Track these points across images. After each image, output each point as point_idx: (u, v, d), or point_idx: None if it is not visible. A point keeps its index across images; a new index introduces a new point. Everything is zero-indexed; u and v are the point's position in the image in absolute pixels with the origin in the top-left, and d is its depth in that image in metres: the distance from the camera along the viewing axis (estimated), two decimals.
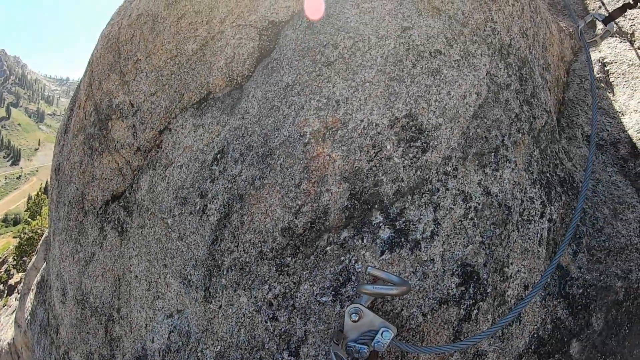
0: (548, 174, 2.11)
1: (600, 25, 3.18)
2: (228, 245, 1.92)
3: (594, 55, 3.08)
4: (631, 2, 2.67)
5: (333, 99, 1.81)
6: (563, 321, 2.00)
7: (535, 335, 1.92)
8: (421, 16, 2.00)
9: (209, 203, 2.05)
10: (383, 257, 1.66)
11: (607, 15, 2.82)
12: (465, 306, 1.70)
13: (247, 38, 2.28)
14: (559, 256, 1.69)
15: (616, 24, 3.19)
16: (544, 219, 1.99)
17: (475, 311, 1.73)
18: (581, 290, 2.05)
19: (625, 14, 3.10)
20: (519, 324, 1.89)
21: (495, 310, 1.77)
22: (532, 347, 1.93)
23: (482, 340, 1.74)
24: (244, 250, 1.86)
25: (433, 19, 2.01)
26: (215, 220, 1.99)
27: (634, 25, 3.12)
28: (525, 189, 1.94)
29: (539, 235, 1.94)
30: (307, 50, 1.99)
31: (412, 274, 1.66)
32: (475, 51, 2.00)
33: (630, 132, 2.63)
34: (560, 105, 2.66)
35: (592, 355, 2.06)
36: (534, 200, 1.96)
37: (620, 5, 2.71)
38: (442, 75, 1.86)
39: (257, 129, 1.98)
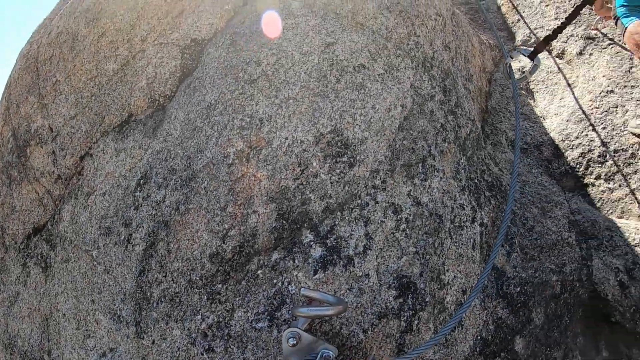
0: (476, 180, 2.11)
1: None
2: (156, 276, 1.78)
3: (515, 64, 3.17)
4: (550, 34, 2.77)
5: (256, 118, 1.72)
6: (504, 320, 2.00)
7: (479, 337, 1.91)
8: (345, 31, 1.96)
9: (134, 232, 1.91)
10: (316, 276, 1.58)
11: (532, 49, 2.91)
12: (405, 318, 1.65)
13: (169, 57, 2.17)
14: (493, 259, 1.68)
15: (534, 34, 3.30)
16: (476, 223, 1.98)
17: (416, 321, 1.68)
18: (519, 289, 2.07)
19: (532, 26, 3.23)
20: (462, 329, 1.87)
21: (436, 318, 1.73)
22: (477, 350, 1.92)
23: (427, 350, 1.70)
24: (172, 280, 1.73)
25: (357, 34, 1.97)
26: (141, 250, 1.85)
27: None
28: (455, 196, 1.92)
29: (472, 240, 1.93)
30: (230, 68, 1.90)
31: (347, 291, 1.59)
32: (399, 64, 1.98)
33: (552, 134, 2.71)
34: (484, 113, 2.71)
35: (537, 349, 2.08)
36: (464, 207, 1.95)
37: (542, 38, 2.80)
38: (367, 89, 1.82)
39: (179, 151, 1.86)
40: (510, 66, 2.68)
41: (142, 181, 1.97)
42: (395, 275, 1.66)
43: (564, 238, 2.28)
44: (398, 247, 1.68)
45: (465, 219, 1.95)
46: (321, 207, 1.63)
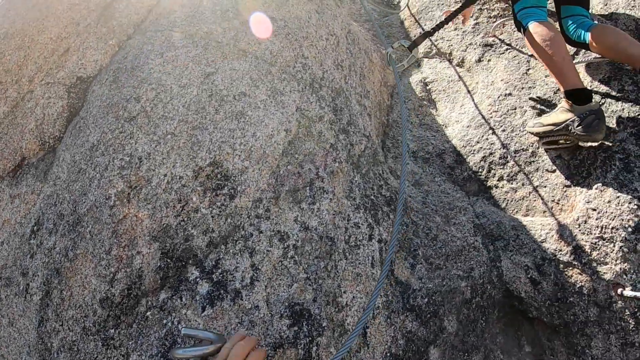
0: (372, 197, 2.13)
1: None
2: (53, 325, 1.70)
3: (417, 77, 3.24)
4: (430, 30, 2.85)
5: (136, 156, 1.68)
6: (415, 333, 2.00)
7: (388, 354, 1.90)
8: (226, 60, 1.95)
9: (31, 281, 1.82)
10: (205, 313, 1.55)
11: (411, 41, 3.00)
12: (302, 345, 1.64)
13: (55, 97, 2.10)
14: (383, 277, 1.67)
15: (435, 46, 3.40)
16: (374, 240, 1.99)
17: (314, 348, 1.66)
18: (427, 299, 2.07)
19: (433, 37, 3.33)
20: (368, 348, 1.85)
21: (337, 342, 1.72)
22: None
23: None
24: (68, 328, 1.66)
25: (238, 61, 1.97)
26: (38, 299, 1.77)
27: (451, 45, 3.33)
28: (349, 216, 1.93)
29: (370, 258, 1.94)
30: (112, 106, 1.85)
31: (238, 325, 1.57)
32: (283, 88, 1.98)
33: (454, 141, 2.78)
34: (385, 127, 2.74)
35: (454, 356, 2.09)
36: (360, 225, 1.96)
37: (422, 33, 2.88)
38: (247, 117, 1.81)
39: (67, 195, 1.80)
40: (390, 55, 2.72)
41: (35, 228, 1.89)
42: (286, 304, 1.64)
43: (469, 243, 2.33)
44: (287, 274, 1.67)
45: (361, 238, 1.96)
46: (204, 242, 1.60)
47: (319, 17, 2.47)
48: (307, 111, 2.00)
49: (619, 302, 2.05)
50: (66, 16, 2.25)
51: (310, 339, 1.66)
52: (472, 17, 3.38)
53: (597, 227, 2.16)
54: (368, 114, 2.51)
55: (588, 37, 2.43)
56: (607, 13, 2.89)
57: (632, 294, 1.98)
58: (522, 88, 2.83)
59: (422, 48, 3.47)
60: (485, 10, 3.40)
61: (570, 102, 2.28)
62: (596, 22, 2.54)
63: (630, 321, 2.03)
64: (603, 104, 2.47)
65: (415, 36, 3.55)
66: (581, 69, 2.66)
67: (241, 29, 2.10)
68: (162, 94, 1.82)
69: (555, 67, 2.34)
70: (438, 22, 3.08)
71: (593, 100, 2.27)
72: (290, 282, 1.67)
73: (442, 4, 3.55)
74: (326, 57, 2.33)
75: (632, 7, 2.80)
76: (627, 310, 2.03)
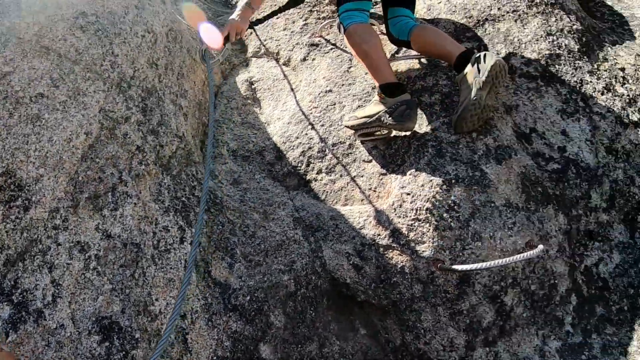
0: (184, 198, 2.37)
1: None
2: None
3: (243, 76, 3.54)
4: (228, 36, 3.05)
5: None
6: (241, 332, 2.21)
7: (215, 357, 2.09)
8: (26, 58, 2.01)
9: None
10: (10, 339, 1.62)
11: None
12: None
13: None
14: (187, 280, 1.88)
15: (264, 45, 3.72)
16: (186, 243, 2.21)
17: None
18: (249, 297, 2.30)
19: (262, 37, 3.68)
20: (191, 355, 2.02)
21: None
22: None
23: None
24: None
25: (40, 59, 2.04)
26: None
27: (279, 45, 3.68)
28: (157, 219, 2.14)
29: (182, 262, 2.14)
30: None
31: (46, 348, 1.67)
32: (87, 89, 2.10)
33: (274, 138, 3.10)
34: (205, 127, 2.97)
35: (286, 349, 2.31)
36: (169, 229, 2.18)
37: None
38: (44, 121, 1.91)
39: None
40: (204, 51, 2.94)
41: None
42: (94, 318, 1.78)
43: (289, 236, 2.60)
44: (92, 287, 1.81)
45: (171, 241, 2.17)
46: (1, 260, 1.68)
47: (137, 12, 2.59)
48: (112, 112, 2.15)
49: (441, 276, 2.45)
50: None
51: (124, 353, 1.80)
52: (300, 18, 3.76)
53: (412, 209, 2.54)
54: (184, 113, 2.71)
55: (409, 36, 2.91)
56: (430, 18, 3.46)
57: (449, 267, 2.38)
58: (343, 85, 3.25)
59: (251, 48, 3.76)
60: (316, 12, 3.79)
61: (382, 95, 2.69)
62: (419, 22, 3.06)
63: (455, 292, 2.43)
64: (417, 97, 2.95)
65: (245, 37, 3.83)
66: (401, 66, 3.17)
67: (46, 25, 2.15)
68: None
69: (371, 64, 2.77)
70: (256, 19, 3.44)
71: (406, 91, 2.70)
72: (95, 295, 1.81)
73: (273, 4, 3.85)
74: (140, 55, 2.47)
75: (453, 12, 3.40)
76: (449, 283, 2.44)
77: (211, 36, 2.82)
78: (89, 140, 2.01)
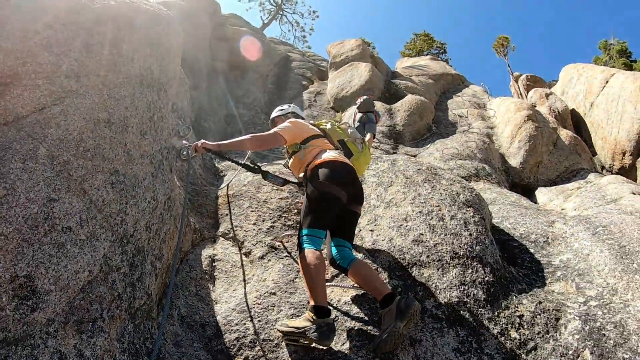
0: (137, 345, 3.23)
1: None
2: None
3: (208, 251, 4.65)
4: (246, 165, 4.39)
5: None
6: None
7: None
8: (69, 193, 3.02)
9: None
10: None
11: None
12: None
13: None
14: None
15: (234, 231, 4.85)
16: None
17: None
18: None
19: (235, 222, 4.85)
20: None
21: None
22: None
23: None
24: None
25: (77, 198, 3.05)
26: None
27: (246, 236, 4.86)
28: (115, 355, 2.98)
29: None
30: None
31: None
32: (100, 235, 3.09)
33: (218, 317, 4.08)
34: (166, 287, 3.95)
35: None
36: None
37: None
38: (66, 250, 2.85)
39: None
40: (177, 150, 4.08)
41: None
42: None
43: None
44: None
45: None
46: (0, 337, 2.48)
47: (151, 180, 3.72)
48: (111, 260, 3.12)
49: None
50: None
51: None
52: (270, 219, 4.99)
53: None
54: (156, 274, 3.70)
55: (348, 267, 4.14)
56: (371, 248, 4.70)
57: None
58: (285, 292, 4.35)
59: (222, 228, 4.91)
60: (284, 218, 5.05)
61: (312, 313, 3.74)
62: (356, 255, 4.27)
63: None
64: (337, 319, 4.02)
65: (221, 216, 5.04)
66: (336, 290, 4.28)
67: (90, 171, 3.22)
68: (11, 196, 2.75)
69: (312, 286, 3.86)
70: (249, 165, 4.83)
71: (331, 315, 3.76)
72: None
73: (252, 199, 5.13)
74: (142, 218, 3.52)
75: (391, 251, 4.68)
76: None
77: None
78: (89, 277, 2.94)
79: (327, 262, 4.36)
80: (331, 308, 3.95)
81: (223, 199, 5.30)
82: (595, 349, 3.98)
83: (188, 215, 4.62)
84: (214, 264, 4.59)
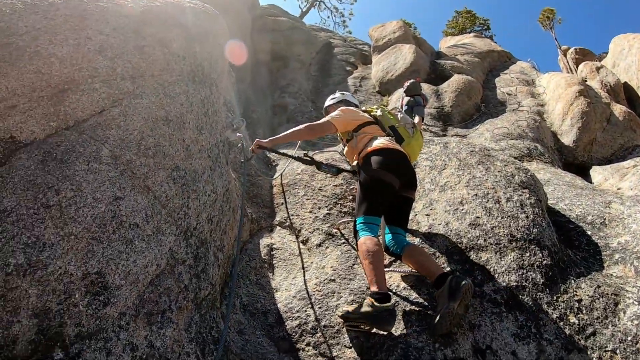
0: (204, 334, 3.32)
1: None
2: None
3: (266, 240, 4.71)
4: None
5: (41, 241, 2.67)
6: None
7: None
8: (134, 191, 3.11)
9: None
10: None
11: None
12: None
13: None
14: None
15: (290, 220, 4.90)
16: None
17: None
18: None
19: (291, 212, 4.91)
20: None
21: None
22: None
23: None
24: None
25: (142, 195, 3.14)
26: None
27: (303, 225, 4.91)
28: (184, 345, 3.06)
29: None
30: (34, 185, 2.82)
31: None
32: (165, 230, 3.18)
33: (279, 305, 4.14)
34: (227, 277, 4.03)
35: None
36: (190, 354, 3.09)
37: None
38: (134, 246, 2.95)
39: None
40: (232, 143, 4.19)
41: None
42: None
43: None
44: None
45: None
46: (74, 332, 2.58)
47: (210, 173, 3.81)
48: (176, 254, 3.21)
49: None
50: (28, 78, 3.20)
51: None
52: (326, 207, 5.02)
53: None
54: (218, 264, 3.79)
55: (402, 252, 4.15)
56: (428, 233, 4.73)
57: None
58: (345, 278, 4.38)
59: (278, 217, 4.97)
60: (340, 205, 5.07)
61: (372, 299, 3.75)
62: (412, 240, 4.26)
63: None
64: (398, 304, 4.04)
65: (277, 205, 5.09)
66: (395, 275, 4.29)
67: (152, 168, 3.31)
68: (78, 197, 2.87)
69: (371, 273, 3.87)
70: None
71: (391, 301, 3.77)
72: None
73: (307, 187, 5.17)
74: (203, 211, 3.61)
75: (448, 235, 4.70)
76: None
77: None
78: (157, 270, 3.04)
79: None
80: (390, 294, 3.94)
81: (278, 189, 5.38)
82: None
83: (245, 206, 4.69)
84: (272, 253, 4.67)
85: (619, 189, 8.28)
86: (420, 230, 4.95)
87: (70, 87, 3.27)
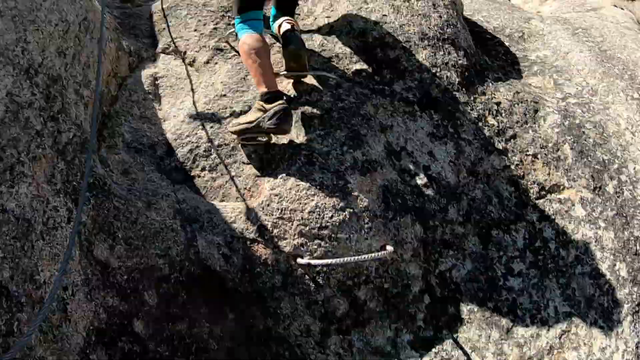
0: (75, 182, 2.92)
1: None
2: None
3: (149, 71, 4.12)
4: None
5: None
6: (116, 307, 2.81)
7: (91, 327, 2.68)
8: None
9: None
10: None
11: None
12: (4, 321, 2.24)
13: None
14: (67, 257, 2.42)
15: (174, 43, 4.34)
16: (72, 223, 2.75)
17: (15, 323, 2.29)
18: (126, 277, 2.91)
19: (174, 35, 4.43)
20: (70, 323, 2.57)
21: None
22: (93, 339, 2.69)
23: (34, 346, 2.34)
24: None
25: None
26: None
27: (188, 45, 4.32)
28: (48, 199, 2.68)
29: (68, 239, 2.65)
30: None
31: None
32: None
33: (167, 135, 3.71)
34: (105, 117, 3.54)
35: (158, 325, 2.91)
36: (59, 209, 2.72)
37: None
38: None
39: None
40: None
41: None
42: None
43: (168, 225, 3.18)
44: None
45: (59, 220, 2.71)
46: None
47: (54, 0, 3.12)
48: (18, 97, 2.65)
49: (299, 269, 3.20)
50: None
51: (10, 314, 2.28)
52: (212, 22, 4.42)
53: (278, 209, 3.29)
54: (85, 103, 3.26)
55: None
56: (330, 37, 4.33)
57: (306, 261, 3.15)
58: (237, 91, 3.95)
59: (161, 44, 4.38)
60: (227, 17, 4.46)
61: (261, 102, 3.37)
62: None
63: (311, 284, 3.20)
64: (300, 109, 3.73)
65: (158, 31, 4.47)
66: (291, 81, 3.93)
67: None
68: None
69: (255, 72, 3.49)
70: None
71: (284, 99, 3.42)
72: None
73: (190, 5, 4.51)
74: (50, 44, 2.99)
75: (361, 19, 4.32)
76: (306, 276, 3.20)
77: None
78: None
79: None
80: (283, 93, 3.57)
81: (158, 15, 4.61)
82: (575, 144, 3.96)
83: (120, 39, 4.05)
84: (157, 82, 4.07)
85: (538, 12, 7.97)
86: (320, 33, 4.43)
87: None
